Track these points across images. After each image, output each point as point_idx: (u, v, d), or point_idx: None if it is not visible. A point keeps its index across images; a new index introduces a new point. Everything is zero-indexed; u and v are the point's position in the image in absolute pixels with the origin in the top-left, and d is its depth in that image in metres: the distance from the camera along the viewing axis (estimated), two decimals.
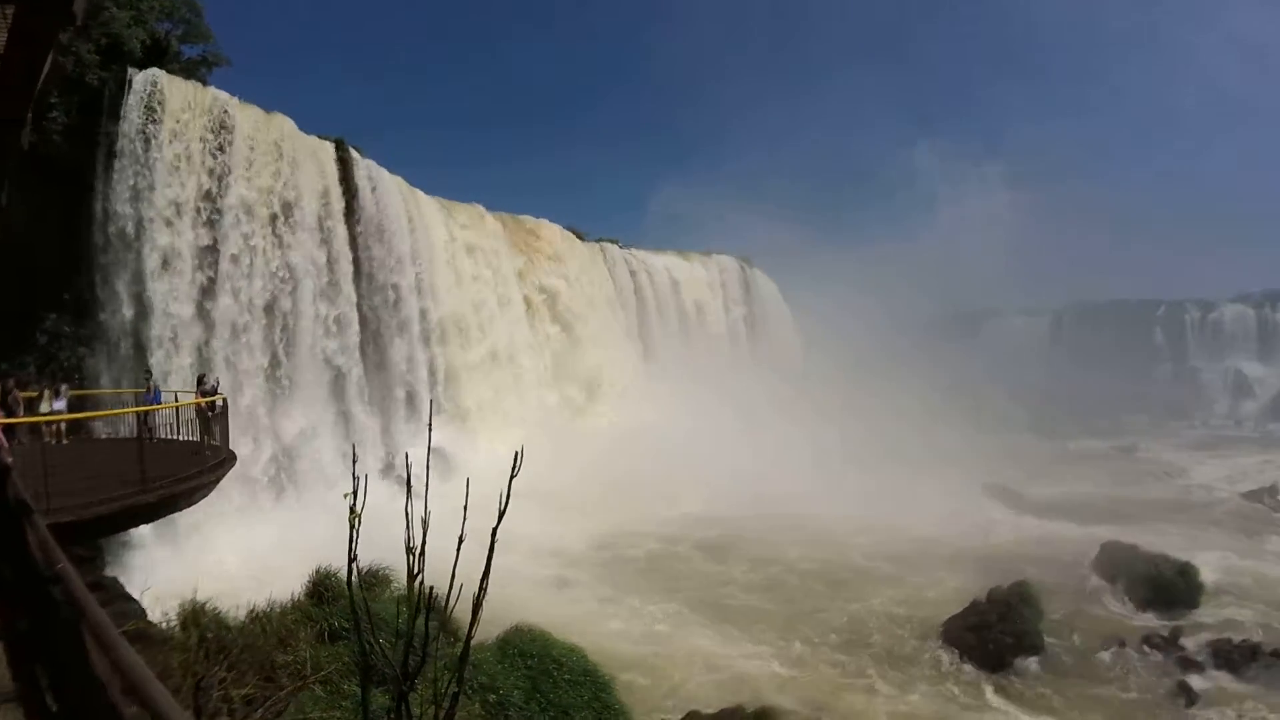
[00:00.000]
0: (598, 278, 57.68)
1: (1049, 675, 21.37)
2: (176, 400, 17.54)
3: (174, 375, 27.34)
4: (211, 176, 30.26)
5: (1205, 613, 25.53)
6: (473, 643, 3.62)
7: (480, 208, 49.60)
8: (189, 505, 12.83)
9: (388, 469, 34.89)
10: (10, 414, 15.20)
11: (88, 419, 21.22)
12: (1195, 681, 20.84)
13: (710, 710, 17.11)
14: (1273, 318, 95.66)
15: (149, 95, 29.06)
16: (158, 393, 19.83)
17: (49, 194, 27.22)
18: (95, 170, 28.39)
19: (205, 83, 32.89)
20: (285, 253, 32.66)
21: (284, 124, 34.03)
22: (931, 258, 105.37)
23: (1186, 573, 26.72)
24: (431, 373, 40.48)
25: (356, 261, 36.80)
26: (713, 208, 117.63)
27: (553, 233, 55.45)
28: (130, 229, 28.24)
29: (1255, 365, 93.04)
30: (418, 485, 3.52)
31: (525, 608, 16.21)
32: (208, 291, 29.70)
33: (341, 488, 3.57)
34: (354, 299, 36.29)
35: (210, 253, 29.91)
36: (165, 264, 28.52)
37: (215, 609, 9.71)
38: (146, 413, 15.40)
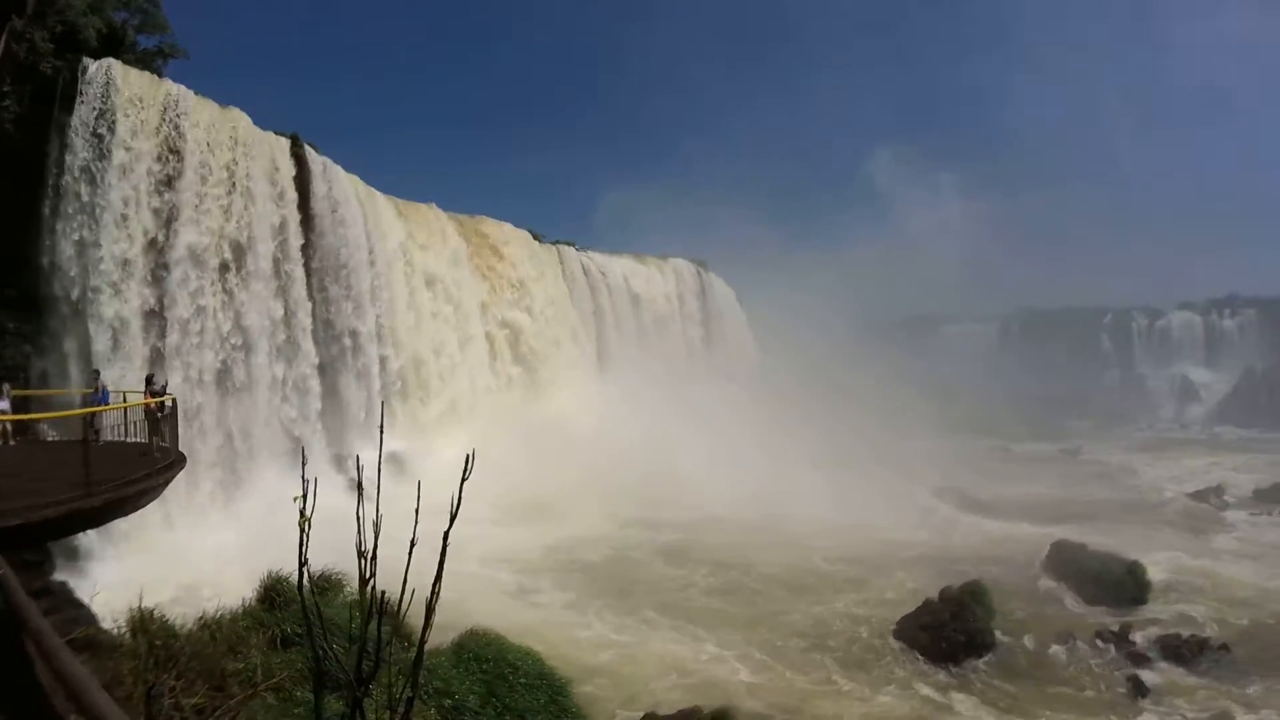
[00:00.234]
0: (558, 296, 57.46)
1: (1001, 671, 21.79)
2: (125, 401, 17.11)
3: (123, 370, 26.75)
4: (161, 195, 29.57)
5: (1154, 609, 26.26)
6: (428, 647, 3.59)
7: (435, 208, 49.27)
8: (137, 509, 12.51)
9: (351, 486, 34.37)
10: None
11: (34, 420, 20.63)
12: (1145, 675, 21.45)
13: (667, 712, 17.14)
14: (1220, 324, 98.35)
15: (104, 85, 28.44)
16: (105, 393, 19.33)
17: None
18: (47, 159, 27.73)
19: (161, 74, 32.29)
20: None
21: (239, 119, 33.43)
22: (887, 264, 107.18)
23: (1135, 570, 27.49)
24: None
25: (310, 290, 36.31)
26: (666, 211, 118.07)
27: (513, 240, 55.17)
28: (85, 234, 27.54)
29: (1202, 371, 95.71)
30: (373, 489, 3.48)
31: (484, 614, 16.12)
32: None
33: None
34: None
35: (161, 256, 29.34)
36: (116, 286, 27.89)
37: (163, 615, 9.49)
38: (93, 414, 15.01)
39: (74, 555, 23.82)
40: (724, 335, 78.77)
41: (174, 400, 15.58)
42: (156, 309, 28.89)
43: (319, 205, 37.09)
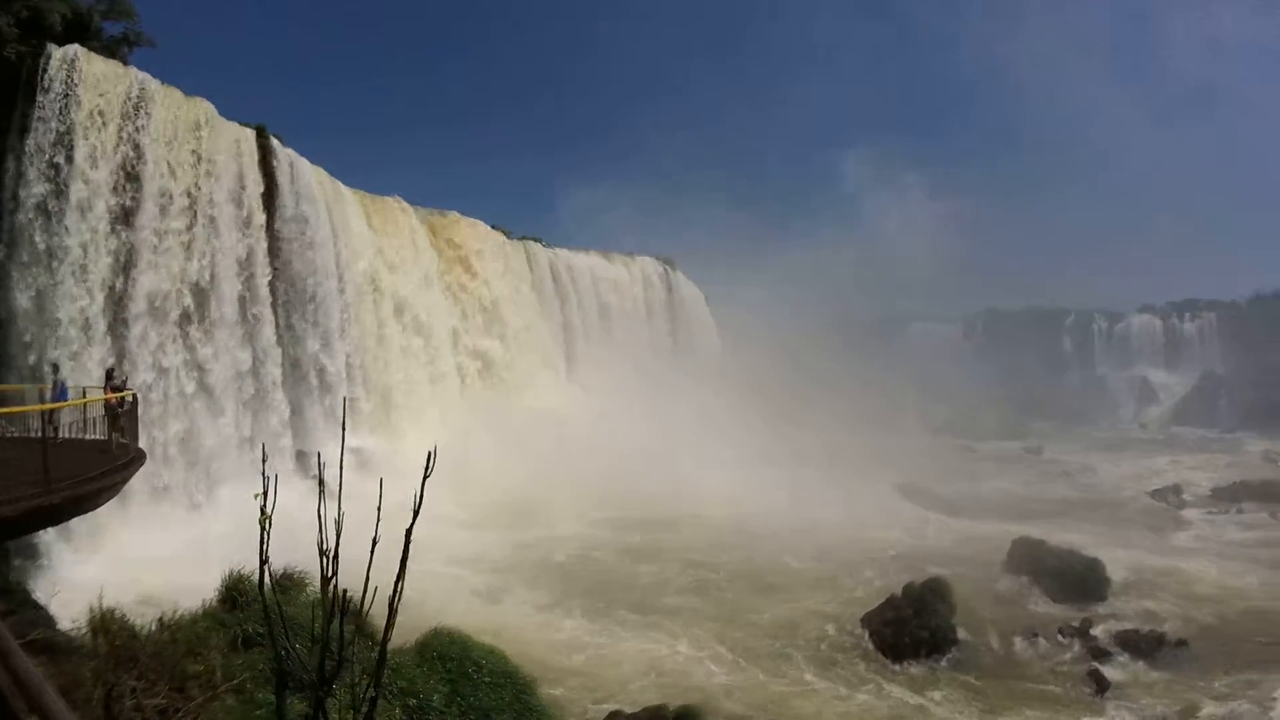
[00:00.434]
0: (532, 321, 56.88)
1: (964, 666, 22.03)
2: (85, 396, 16.80)
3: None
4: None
5: (1114, 605, 26.67)
6: (392, 647, 3.57)
7: (402, 202, 48.71)
8: (95, 507, 12.30)
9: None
10: None
11: None
12: (1106, 670, 21.74)
13: (633, 710, 17.16)
14: (1180, 328, 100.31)
15: (67, 72, 27.84)
16: (64, 389, 18.96)
17: None
18: (5, 145, 27.20)
19: (126, 62, 31.73)
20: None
21: (204, 108, 32.87)
22: (855, 264, 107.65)
23: (1095, 567, 28.02)
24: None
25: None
26: (633, 210, 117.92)
27: (485, 247, 54.70)
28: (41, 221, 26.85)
29: (1161, 373, 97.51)
30: (337, 486, 3.45)
31: (452, 614, 16.02)
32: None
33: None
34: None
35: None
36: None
37: (124, 615, 9.34)
38: (52, 410, 14.71)
39: (32, 554, 23.32)
40: (690, 334, 78.97)
41: (134, 396, 15.34)
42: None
43: (287, 228, 36.24)
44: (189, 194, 30.96)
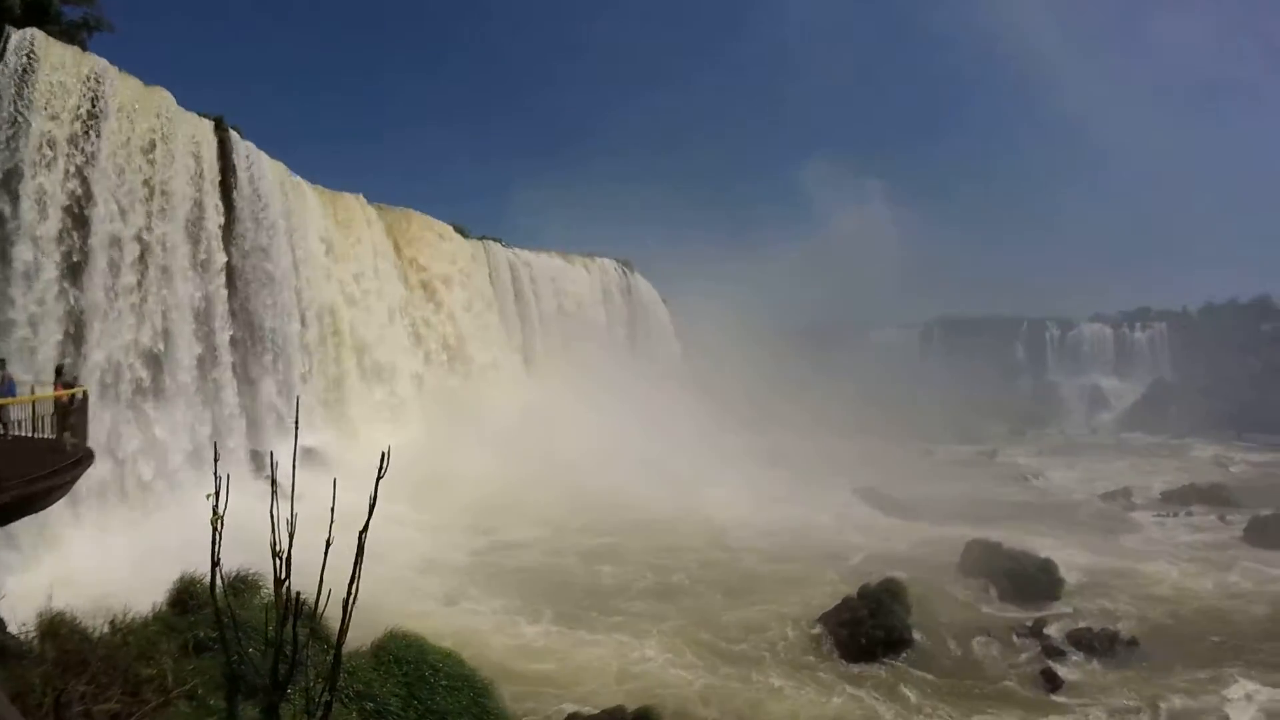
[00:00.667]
0: (502, 358, 56.67)
1: (920, 666, 22.29)
2: (34, 392, 16.42)
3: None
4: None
5: (1066, 605, 27.11)
6: (348, 650, 3.57)
7: (362, 200, 48.42)
8: (45, 507, 12.06)
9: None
10: None
11: None
12: (1059, 668, 22.18)
13: (591, 712, 17.16)
14: (1131, 337, 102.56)
15: (24, 55, 27.14)
16: (11, 384, 18.46)
17: None
18: None
19: (85, 47, 31.01)
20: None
21: (163, 97, 32.40)
22: (814, 270, 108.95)
23: (1047, 568, 28.57)
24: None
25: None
26: (590, 211, 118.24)
27: (457, 258, 54.58)
28: None
29: (1112, 380, 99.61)
30: (288, 487, 3.44)
31: (411, 617, 15.88)
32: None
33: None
34: None
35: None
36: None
37: (74, 619, 9.14)
38: None
39: None
40: (649, 336, 79.12)
41: (85, 392, 15.04)
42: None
43: (245, 264, 36.11)
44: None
